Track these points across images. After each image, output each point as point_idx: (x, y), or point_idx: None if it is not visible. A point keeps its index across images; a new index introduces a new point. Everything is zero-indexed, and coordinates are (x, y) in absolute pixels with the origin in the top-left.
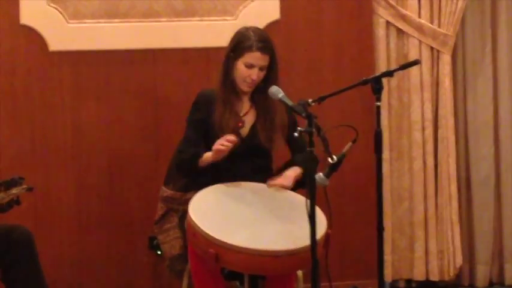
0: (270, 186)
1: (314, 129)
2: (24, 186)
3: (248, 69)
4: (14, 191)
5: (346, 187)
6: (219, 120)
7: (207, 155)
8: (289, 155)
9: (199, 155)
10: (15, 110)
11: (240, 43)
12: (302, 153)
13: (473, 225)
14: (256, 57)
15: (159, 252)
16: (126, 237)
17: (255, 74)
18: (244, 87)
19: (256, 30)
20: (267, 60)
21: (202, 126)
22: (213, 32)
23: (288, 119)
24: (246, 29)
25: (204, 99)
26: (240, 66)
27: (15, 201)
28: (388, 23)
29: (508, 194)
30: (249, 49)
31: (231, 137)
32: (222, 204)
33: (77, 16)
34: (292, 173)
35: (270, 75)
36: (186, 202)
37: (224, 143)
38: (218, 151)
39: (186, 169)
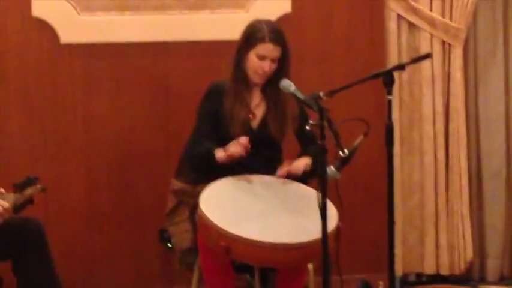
0: (279, 176)
1: (325, 123)
2: (39, 186)
3: (260, 61)
4: (29, 191)
5: (357, 180)
6: (229, 111)
7: (221, 156)
8: (298, 148)
9: (213, 152)
10: (26, 102)
11: (252, 34)
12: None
13: (484, 219)
14: (268, 49)
15: (169, 245)
16: (137, 230)
17: (267, 66)
18: (256, 79)
19: (268, 22)
20: (279, 51)
21: (214, 118)
22: (224, 25)
23: (299, 112)
24: (259, 21)
25: (216, 90)
26: (252, 57)
27: (29, 201)
28: (399, 16)
29: None
30: (262, 40)
31: (244, 141)
32: (233, 197)
33: (89, 9)
34: (302, 162)
35: (282, 67)
36: (197, 195)
37: (238, 149)
38: (231, 156)
39: (199, 164)
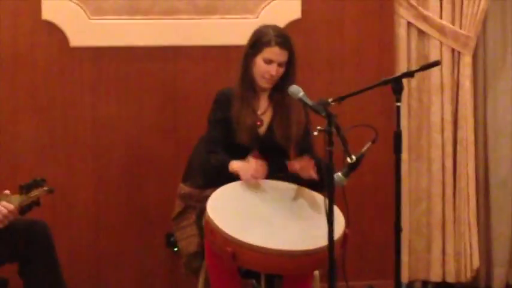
0: (288, 166)
1: (333, 129)
2: (45, 188)
3: (267, 65)
4: (35, 193)
5: (364, 187)
6: (236, 117)
7: (235, 168)
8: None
9: (227, 164)
10: (35, 105)
11: (258, 39)
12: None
13: (491, 227)
14: (274, 53)
15: (175, 249)
16: (144, 234)
17: (274, 70)
18: (263, 84)
19: (275, 27)
20: (285, 55)
21: (224, 124)
22: (234, 30)
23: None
24: (265, 26)
25: (224, 97)
26: (259, 62)
27: (35, 203)
28: (409, 23)
29: None
30: (268, 44)
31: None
32: (240, 202)
33: (99, 12)
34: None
35: (289, 72)
36: (204, 199)
37: (256, 177)
38: (249, 180)
39: (213, 175)
